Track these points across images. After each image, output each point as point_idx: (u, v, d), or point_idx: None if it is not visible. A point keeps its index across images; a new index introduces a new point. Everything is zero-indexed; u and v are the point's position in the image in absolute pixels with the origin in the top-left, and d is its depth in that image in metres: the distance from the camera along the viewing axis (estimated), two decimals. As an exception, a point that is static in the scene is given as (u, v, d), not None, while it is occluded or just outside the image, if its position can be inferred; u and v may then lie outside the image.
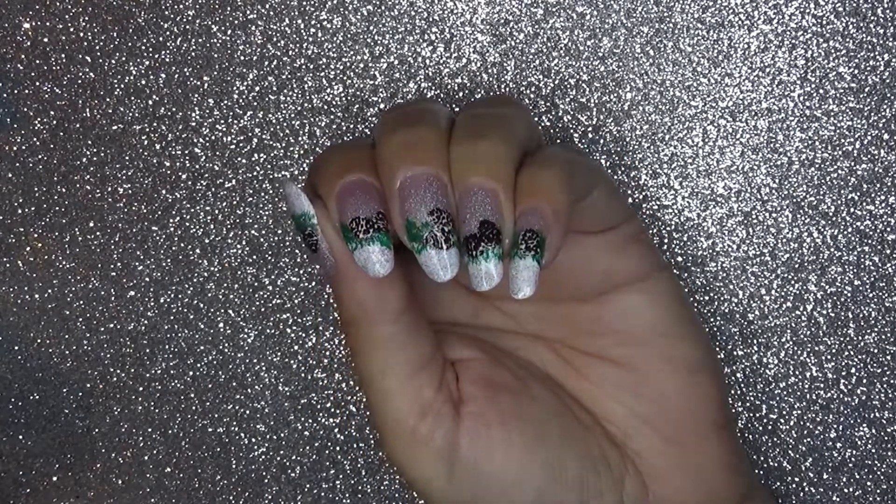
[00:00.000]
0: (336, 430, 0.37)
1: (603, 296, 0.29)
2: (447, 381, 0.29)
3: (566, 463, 0.29)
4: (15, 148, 0.36)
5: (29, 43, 0.35)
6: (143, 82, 0.35)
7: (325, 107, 0.35)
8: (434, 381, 0.28)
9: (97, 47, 0.35)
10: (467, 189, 0.25)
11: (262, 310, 0.36)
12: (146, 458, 0.37)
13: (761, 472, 0.36)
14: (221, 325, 0.36)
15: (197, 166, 0.36)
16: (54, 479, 0.37)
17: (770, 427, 0.36)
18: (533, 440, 0.29)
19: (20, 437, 0.37)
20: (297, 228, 0.27)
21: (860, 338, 0.35)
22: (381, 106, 0.35)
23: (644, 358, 0.29)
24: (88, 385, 0.37)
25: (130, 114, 0.35)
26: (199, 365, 0.36)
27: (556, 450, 0.29)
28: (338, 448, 0.37)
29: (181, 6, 0.35)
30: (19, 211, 0.36)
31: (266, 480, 0.37)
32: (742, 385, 0.35)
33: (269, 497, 0.37)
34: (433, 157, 0.26)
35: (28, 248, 0.36)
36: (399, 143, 0.26)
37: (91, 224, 0.36)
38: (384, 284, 0.27)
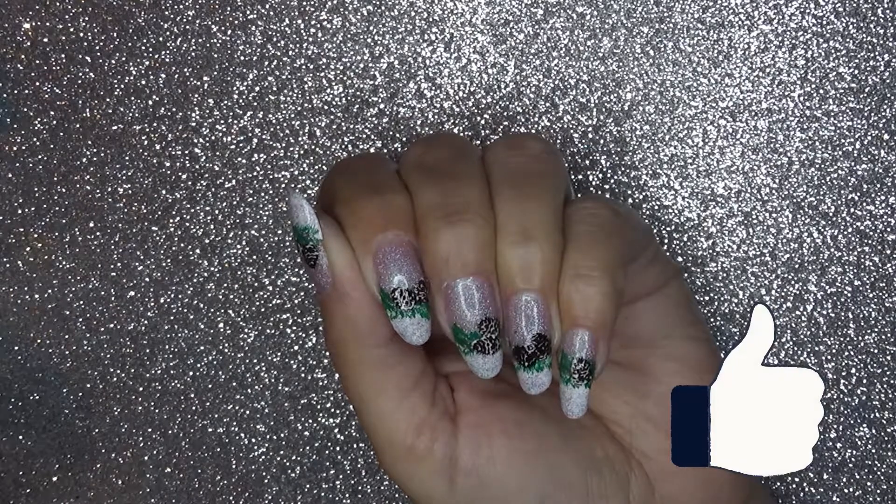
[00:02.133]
0: (336, 430, 0.37)
1: None
2: (441, 396, 0.29)
3: (568, 468, 0.29)
4: (15, 148, 0.36)
5: (29, 43, 0.35)
6: (143, 82, 0.35)
7: (325, 107, 0.35)
8: (427, 397, 0.28)
9: (97, 47, 0.35)
10: (518, 299, 0.25)
11: (262, 310, 0.36)
12: (146, 458, 0.37)
13: (761, 473, 0.36)
14: (221, 325, 0.36)
15: (197, 166, 0.36)
16: (54, 479, 0.37)
17: (770, 427, 0.36)
18: (534, 447, 0.28)
19: (20, 437, 0.37)
20: (298, 240, 0.26)
21: (860, 338, 0.35)
22: (381, 106, 0.35)
23: (650, 359, 0.29)
24: (88, 385, 0.37)
25: (130, 114, 0.35)
26: (199, 365, 0.36)
27: (557, 455, 0.29)
28: (338, 448, 0.37)
29: (181, 6, 0.35)
30: (19, 211, 0.36)
31: (266, 480, 0.37)
32: (742, 385, 0.36)
33: (269, 497, 0.37)
34: (483, 261, 0.25)
35: (28, 248, 0.36)
36: (448, 242, 0.25)
37: (91, 224, 0.36)
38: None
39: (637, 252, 0.28)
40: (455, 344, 0.26)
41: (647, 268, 0.29)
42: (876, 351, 0.35)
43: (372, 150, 0.35)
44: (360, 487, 0.37)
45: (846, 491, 0.36)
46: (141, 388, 0.37)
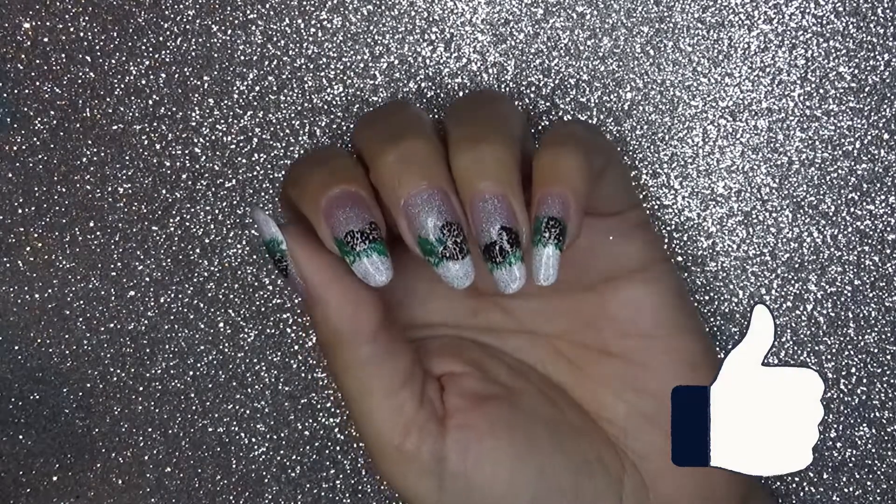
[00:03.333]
0: (336, 430, 0.37)
1: (606, 284, 0.29)
2: (429, 397, 0.29)
3: (559, 469, 0.29)
4: (15, 148, 0.36)
5: (29, 43, 0.35)
6: (143, 82, 0.35)
7: (325, 107, 0.35)
8: (415, 397, 0.28)
9: (97, 47, 0.35)
10: (478, 197, 0.25)
11: (262, 310, 0.36)
12: (146, 458, 0.37)
13: (761, 472, 0.36)
14: (221, 325, 0.36)
15: (197, 166, 0.36)
16: (54, 479, 0.37)
17: (770, 427, 0.36)
18: (523, 449, 0.29)
19: (20, 437, 0.37)
20: (268, 254, 0.27)
21: (860, 338, 0.35)
22: (381, 106, 0.35)
23: (647, 351, 0.29)
24: (88, 385, 0.37)
25: (130, 114, 0.35)
26: (199, 365, 0.36)
27: (547, 456, 0.29)
28: (338, 448, 0.37)
29: (181, 6, 0.35)
30: (19, 211, 0.36)
31: (266, 480, 0.37)
32: (742, 385, 0.36)
33: (269, 497, 0.37)
34: (433, 170, 0.25)
35: (28, 248, 0.36)
36: (395, 161, 0.25)
37: (91, 224, 0.36)
38: (357, 308, 0.27)
39: (621, 190, 0.28)
40: (425, 259, 0.26)
41: (635, 231, 0.29)
42: (876, 350, 0.35)
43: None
44: (360, 487, 0.37)
45: (846, 490, 0.36)
46: (141, 388, 0.37)
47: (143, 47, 0.35)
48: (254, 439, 0.37)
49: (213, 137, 0.35)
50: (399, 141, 0.26)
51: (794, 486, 0.36)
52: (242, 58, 0.35)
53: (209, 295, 0.36)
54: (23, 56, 0.35)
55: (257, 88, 0.35)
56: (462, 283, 0.26)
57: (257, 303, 0.36)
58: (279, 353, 0.36)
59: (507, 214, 0.25)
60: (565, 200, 0.25)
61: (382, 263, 0.26)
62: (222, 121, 0.35)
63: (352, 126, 0.35)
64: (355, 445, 0.37)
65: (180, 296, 0.36)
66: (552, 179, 0.25)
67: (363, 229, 0.26)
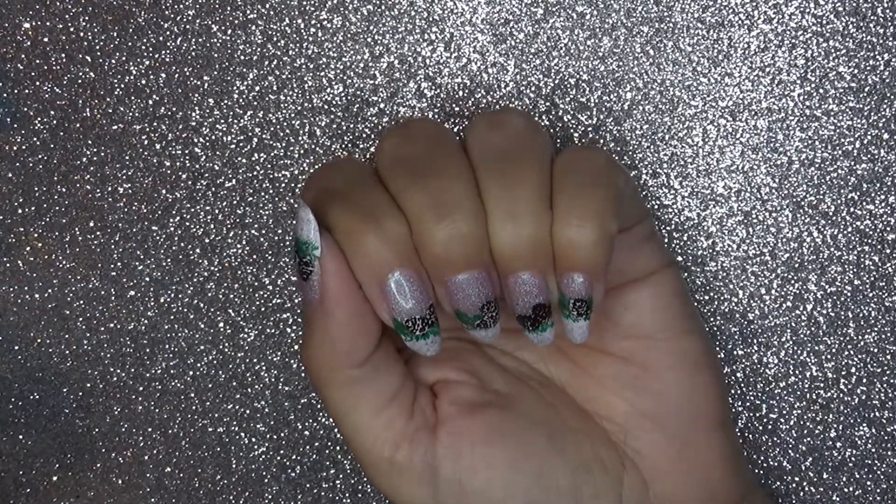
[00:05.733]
0: (336, 429, 0.37)
1: (610, 289, 0.29)
2: (420, 407, 0.29)
3: (556, 471, 0.29)
4: (15, 148, 0.36)
5: (29, 43, 0.35)
6: (143, 82, 0.35)
7: (325, 107, 0.35)
8: (404, 410, 0.28)
9: (97, 47, 0.35)
10: (516, 279, 0.26)
11: (262, 310, 0.36)
12: (146, 458, 0.37)
13: (761, 472, 0.36)
14: (221, 325, 0.36)
15: (197, 166, 0.36)
16: (54, 479, 0.37)
17: (770, 427, 0.36)
18: (518, 453, 0.29)
19: (20, 437, 0.37)
20: (297, 252, 0.27)
21: (860, 337, 0.35)
22: (381, 106, 0.35)
23: (648, 352, 0.29)
24: (88, 385, 0.37)
25: (130, 114, 0.35)
26: (199, 365, 0.36)
27: (544, 459, 0.29)
28: (338, 448, 0.37)
29: (181, 6, 0.35)
30: (19, 211, 0.36)
31: (266, 480, 0.37)
32: (742, 385, 0.35)
33: (269, 497, 0.37)
34: (478, 252, 0.26)
35: (28, 248, 0.36)
36: (443, 240, 0.26)
37: (91, 224, 0.36)
38: (359, 334, 0.27)
39: (630, 210, 0.28)
40: (457, 321, 0.27)
41: (642, 245, 0.29)
42: (876, 350, 0.35)
43: (372, 150, 0.35)
44: (360, 487, 0.37)
45: (846, 490, 0.36)
46: (141, 388, 0.37)
47: (143, 47, 0.35)
48: (254, 439, 0.37)
49: (213, 137, 0.35)
50: (448, 221, 0.26)
51: (794, 486, 0.36)
52: (242, 58, 0.35)
53: (209, 295, 0.36)
54: (23, 56, 0.35)
55: (257, 88, 0.35)
56: (489, 340, 0.28)
57: (257, 303, 0.36)
58: (279, 353, 0.36)
59: (543, 292, 0.26)
60: (588, 282, 0.26)
61: (435, 342, 0.27)
62: (222, 121, 0.35)
63: (352, 126, 0.35)
64: (355, 445, 0.37)
65: (180, 296, 0.36)
66: (575, 263, 0.26)
67: (424, 316, 0.27)
